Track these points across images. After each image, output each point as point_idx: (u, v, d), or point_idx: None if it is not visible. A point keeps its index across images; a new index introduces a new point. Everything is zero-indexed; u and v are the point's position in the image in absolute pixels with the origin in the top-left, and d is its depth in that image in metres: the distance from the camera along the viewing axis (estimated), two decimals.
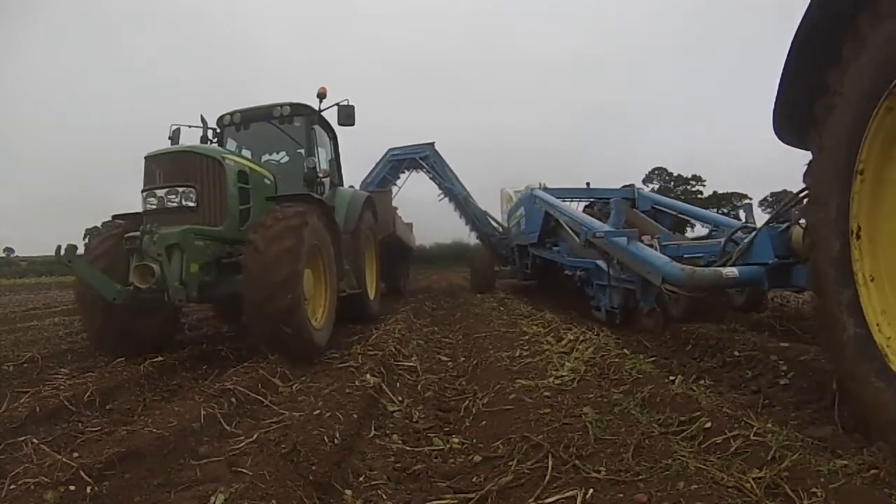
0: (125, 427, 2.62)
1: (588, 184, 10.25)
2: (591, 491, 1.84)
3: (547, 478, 2.01)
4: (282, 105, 6.22)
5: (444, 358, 5.04)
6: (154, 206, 4.50)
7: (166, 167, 4.57)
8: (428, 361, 4.84)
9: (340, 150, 7.49)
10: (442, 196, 14.17)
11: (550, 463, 2.09)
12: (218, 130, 6.57)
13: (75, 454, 2.24)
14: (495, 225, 13.75)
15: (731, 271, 4.07)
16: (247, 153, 6.36)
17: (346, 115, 6.21)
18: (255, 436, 2.39)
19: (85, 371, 4.19)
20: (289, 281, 4.03)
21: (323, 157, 6.86)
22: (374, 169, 13.86)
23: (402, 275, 13.00)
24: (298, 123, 6.32)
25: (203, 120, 6.31)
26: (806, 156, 2.46)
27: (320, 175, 6.08)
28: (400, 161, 14.00)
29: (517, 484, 2.05)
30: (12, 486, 1.89)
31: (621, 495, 1.79)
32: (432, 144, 14.01)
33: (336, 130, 7.16)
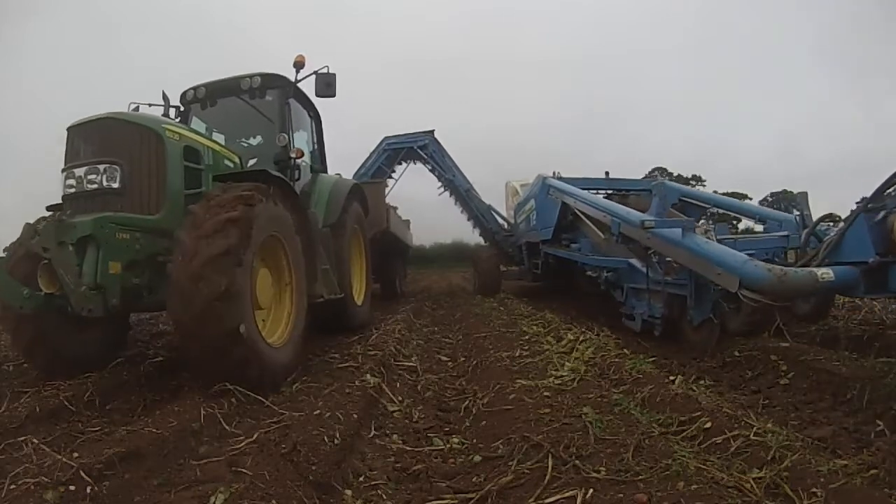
0: (125, 427, 2.62)
1: (607, 173, 8.79)
2: (591, 491, 1.84)
3: (547, 478, 2.01)
4: (251, 76, 5.12)
5: (444, 358, 5.04)
6: (73, 190, 3.59)
7: (88, 140, 3.66)
8: (428, 361, 4.83)
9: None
10: (442, 189, 12.94)
11: (550, 463, 2.09)
12: (182, 108, 5.53)
13: (75, 454, 2.24)
14: (501, 221, 12.56)
15: (826, 273, 3.29)
16: (219, 137, 5.32)
17: (326, 84, 5.09)
18: (255, 436, 2.39)
19: (85, 371, 4.18)
20: (227, 297, 3.00)
21: (303, 140, 5.86)
22: (368, 159, 12.63)
23: (398, 276, 11.99)
24: (271, 97, 5.21)
25: (165, 97, 5.28)
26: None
27: (292, 155, 4.98)
28: (396, 150, 12.62)
29: (517, 484, 2.05)
30: (12, 486, 1.89)
31: (621, 495, 1.79)
32: (432, 132, 12.62)
33: (320, 112, 6.24)
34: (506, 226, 12.27)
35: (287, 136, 5.02)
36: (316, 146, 6.21)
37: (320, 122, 6.30)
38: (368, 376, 3.60)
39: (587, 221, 6.67)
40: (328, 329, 5.52)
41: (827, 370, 3.43)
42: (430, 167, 12.76)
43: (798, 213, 5.23)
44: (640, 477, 1.90)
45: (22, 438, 2.47)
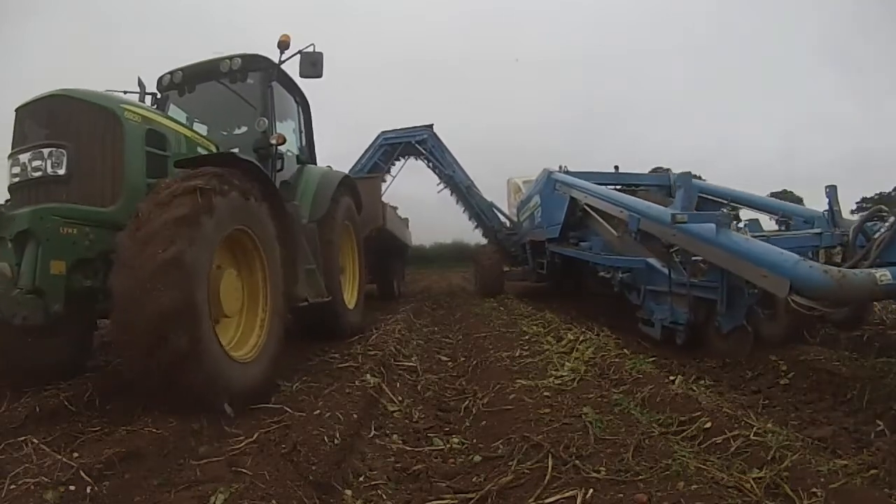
0: (125, 427, 2.62)
1: (616, 167, 8.12)
2: (591, 491, 1.84)
3: (547, 478, 2.01)
4: (231, 57, 4.64)
5: (444, 358, 5.04)
6: (17, 179, 3.17)
7: (35, 121, 3.22)
8: (428, 361, 4.83)
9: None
10: (442, 186, 12.40)
11: (550, 463, 2.09)
12: (159, 96, 4.99)
13: (75, 454, 2.24)
14: (503, 219, 11.98)
15: (885, 275, 2.99)
16: (202, 128, 4.83)
17: (311, 63, 4.57)
18: (256, 436, 2.39)
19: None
20: (175, 315, 2.51)
21: (289, 129, 5.34)
22: (363, 155, 12.07)
23: (395, 277, 11.40)
24: (253, 80, 4.71)
25: (140, 83, 4.77)
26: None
27: (272, 141, 4.40)
28: (393, 146, 12.10)
29: (517, 484, 2.05)
30: (12, 486, 1.89)
31: (621, 495, 1.79)
32: (431, 126, 12.05)
33: (308, 99, 5.70)
34: (508, 224, 11.81)
35: (267, 121, 4.45)
36: (303, 135, 5.66)
37: (309, 109, 5.75)
38: (368, 376, 3.60)
39: (598, 218, 6.27)
40: (315, 336, 5.01)
41: (827, 370, 3.44)
42: (429, 164, 12.25)
43: (826, 208, 4.84)
44: (640, 477, 1.91)
45: (22, 438, 2.46)
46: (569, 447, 2.21)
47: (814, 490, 1.76)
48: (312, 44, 4.62)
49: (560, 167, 7.96)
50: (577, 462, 2.08)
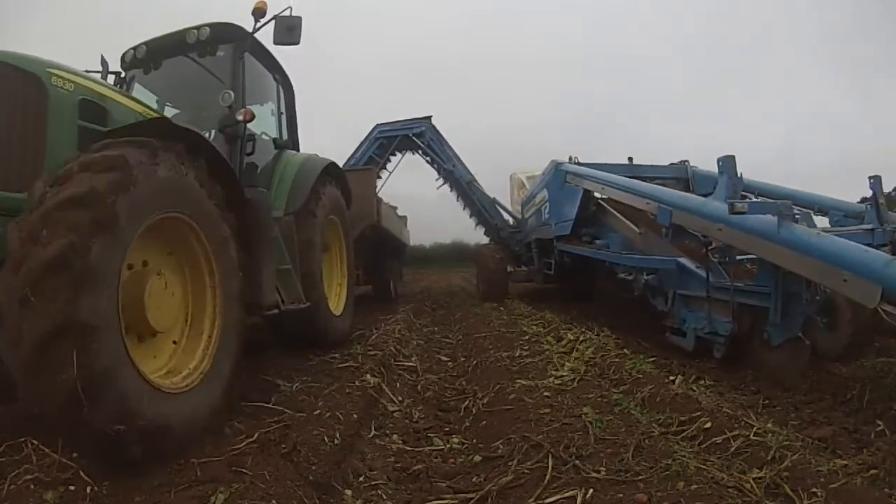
0: None
1: (630, 159, 7.39)
2: (591, 491, 1.85)
3: (547, 478, 2.01)
4: (199, 27, 4.00)
5: (444, 358, 5.04)
6: None
7: None
8: (428, 361, 4.83)
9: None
10: (441, 182, 11.66)
11: (550, 463, 2.09)
12: (123, 74, 4.35)
13: (75, 454, 2.24)
14: (506, 217, 11.25)
15: None
16: (174, 112, 4.32)
17: (288, 28, 3.91)
18: (256, 435, 2.39)
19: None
20: (63, 332, 1.86)
21: (267, 111, 4.72)
22: (358, 149, 11.36)
23: (392, 278, 10.75)
24: (224, 53, 4.08)
25: (103, 61, 4.13)
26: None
27: (239, 117, 3.73)
28: (390, 139, 11.37)
29: (517, 484, 2.05)
30: (12, 487, 1.89)
31: (621, 495, 1.79)
32: (429, 119, 11.29)
33: (291, 79, 5.02)
34: (511, 221, 11.07)
35: (233, 93, 3.73)
36: (284, 118, 4.98)
37: (292, 91, 5.10)
38: (368, 376, 3.60)
39: (614, 212, 5.73)
40: (294, 346, 4.41)
41: (827, 370, 3.44)
42: (428, 159, 11.54)
43: (870, 202, 4.26)
44: (640, 477, 1.91)
45: (22, 439, 2.46)
46: (569, 447, 2.21)
47: (814, 490, 1.76)
48: (290, 7, 3.98)
49: (570, 158, 7.29)
50: (577, 462, 2.08)
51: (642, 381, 3.29)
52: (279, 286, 3.80)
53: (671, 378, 3.41)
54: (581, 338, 4.77)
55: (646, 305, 5.13)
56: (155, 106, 4.02)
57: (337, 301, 5.09)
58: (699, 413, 2.59)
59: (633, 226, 5.48)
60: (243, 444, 2.31)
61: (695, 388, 3.21)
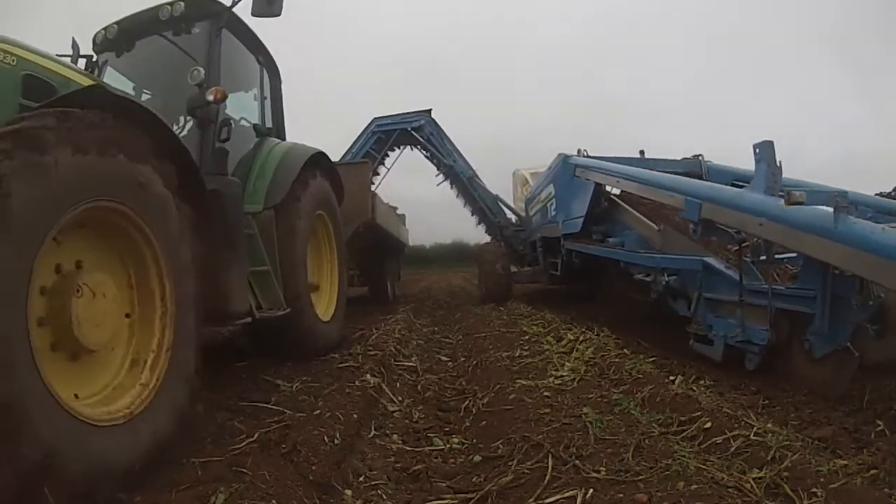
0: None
1: (642, 153, 7.05)
2: (591, 491, 1.85)
3: (547, 478, 2.01)
4: (172, 2, 3.67)
5: (444, 358, 5.04)
6: None
7: None
8: (428, 361, 4.83)
9: None
10: (441, 179, 11.23)
11: (550, 463, 2.10)
12: (95, 58, 3.96)
13: None
14: (509, 214, 10.82)
15: None
16: (151, 98, 3.89)
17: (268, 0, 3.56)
18: (256, 435, 2.39)
19: None
20: None
21: (249, 97, 4.37)
22: (355, 143, 10.97)
23: (390, 279, 10.26)
24: (200, 30, 3.73)
25: (74, 44, 3.84)
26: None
27: (209, 97, 3.28)
28: (388, 133, 10.96)
29: (517, 484, 2.05)
30: None
31: (621, 495, 1.79)
32: (429, 112, 10.90)
33: (277, 64, 4.59)
34: (514, 219, 10.65)
35: (203, 70, 3.30)
36: (268, 104, 4.55)
37: (278, 75, 4.68)
38: (368, 376, 3.60)
39: (629, 208, 5.40)
40: (275, 355, 3.96)
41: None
42: (427, 154, 11.18)
43: None
44: (640, 477, 1.91)
45: None
46: (569, 447, 2.21)
47: (814, 490, 1.76)
48: None
49: (579, 151, 6.93)
50: (577, 462, 2.08)
51: (642, 381, 3.29)
52: (256, 290, 3.47)
53: (671, 378, 3.41)
54: (581, 338, 4.77)
55: (657, 308, 4.77)
56: (132, 93, 3.70)
57: (326, 306, 4.68)
58: (699, 413, 2.59)
59: (650, 222, 5.12)
60: (243, 444, 2.31)
61: (695, 388, 3.21)
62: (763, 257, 3.56)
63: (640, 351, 4.54)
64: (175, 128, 3.35)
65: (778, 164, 3.44)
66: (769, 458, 2.04)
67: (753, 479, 1.88)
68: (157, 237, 2.26)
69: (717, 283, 3.92)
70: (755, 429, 2.32)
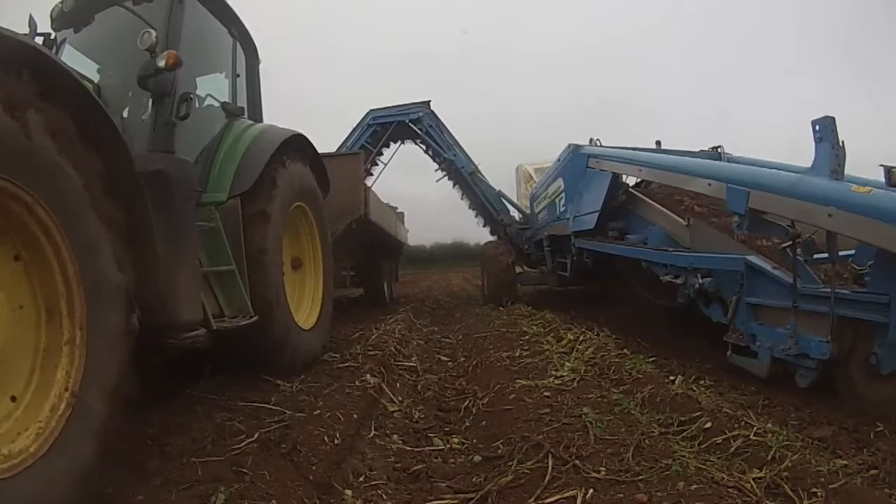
0: (125, 427, 2.61)
1: (658, 143, 6.56)
2: (591, 491, 1.85)
3: (547, 478, 2.01)
4: None
5: (444, 358, 5.04)
6: None
7: None
8: (428, 361, 4.84)
9: None
10: (442, 174, 10.69)
11: (550, 463, 2.10)
12: (53, 35, 3.38)
13: None
14: (513, 212, 10.15)
15: None
16: (114, 77, 3.35)
17: None
18: (256, 435, 2.39)
19: None
20: None
21: (220, 76, 3.89)
22: (350, 136, 10.42)
23: (386, 279, 9.86)
24: None
25: (31, 21, 3.30)
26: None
27: (160, 63, 2.70)
28: (384, 125, 10.37)
29: (517, 484, 2.05)
30: None
31: (621, 495, 1.79)
32: (427, 104, 10.28)
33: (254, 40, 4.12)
34: (518, 217, 9.99)
35: (155, 33, 2.72)
36: (241, 80, 4.00)
37: (254, 49, 4.15)
38: (368, 376, 3.60)
39: (650, 201, 4.94)
40: (247, 367, 3.42)
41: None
42: (426, 148, 10.64)
43: None
44: (640, 477, 1.91)
45: None
46: (569, 447, 2.21)
47: (814, 490, 1.76)
48: None
49: (591, 140, 6.36)
50: (577, 462, 2.08)
51: (642, 381, 3.29)
52: (217, 294, 3.01)
53: (671, 378, 3.41)
54: (581, 338, 4.77)
55: (692, 314, 4.28)
56: (97, 75, 3.27)
57: (308, 311, 4.15)
58: (699, 413, 2.59)
59: (677, 217, 4.57)
60: (243, 444, 2.31)
61: (695, 388, 3.21)
62: (819, 255, 3.09)
63: (640, 351, 4.54)
64: (142, 112, 2.99)
65: (841, 144, 2.97)
66: (769, 458, 2.04)
67: (753, 479, 1.88)
68: (63, 227, 1.68)
69: (763, 286, 3.40)
70: (755, 429, 2.32)
